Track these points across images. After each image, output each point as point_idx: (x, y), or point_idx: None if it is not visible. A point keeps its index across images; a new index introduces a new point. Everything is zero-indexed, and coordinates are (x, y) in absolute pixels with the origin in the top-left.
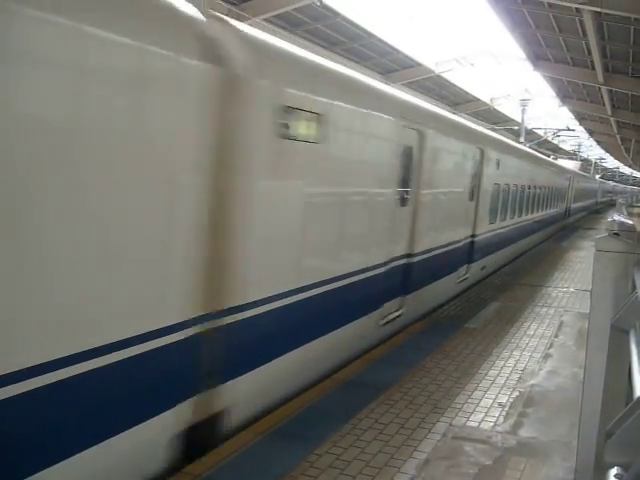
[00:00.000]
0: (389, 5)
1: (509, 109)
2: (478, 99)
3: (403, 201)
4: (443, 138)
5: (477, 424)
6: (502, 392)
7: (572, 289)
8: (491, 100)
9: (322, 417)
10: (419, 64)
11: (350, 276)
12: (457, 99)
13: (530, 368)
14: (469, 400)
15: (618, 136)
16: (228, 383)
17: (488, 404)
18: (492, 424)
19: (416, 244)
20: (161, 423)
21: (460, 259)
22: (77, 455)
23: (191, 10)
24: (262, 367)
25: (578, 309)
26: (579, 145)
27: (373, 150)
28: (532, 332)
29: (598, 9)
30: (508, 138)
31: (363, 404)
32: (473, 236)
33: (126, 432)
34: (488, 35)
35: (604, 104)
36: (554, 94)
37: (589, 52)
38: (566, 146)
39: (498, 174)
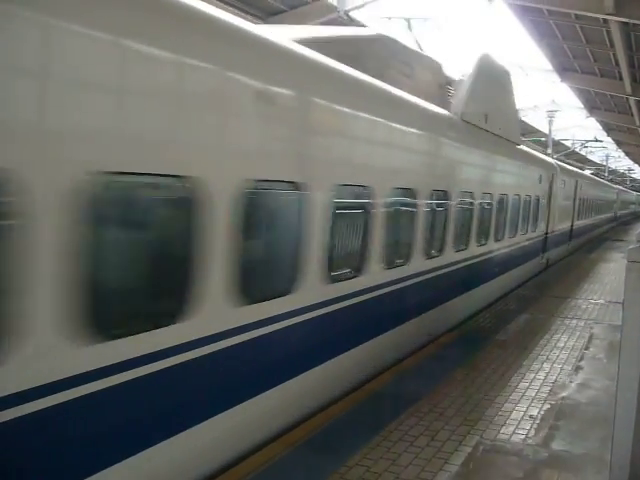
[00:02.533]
0: (415, 17)
1: (536, 120)
2: None
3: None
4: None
5: (508, 437)
6: (533, 405)
7: (602, 301)
8: (518, 111)
9: (352, 429)
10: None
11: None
12: None
13: (561, 381)
14: (499, 413)
15: None
16: None
17: (519, 417)
18: (523, 437)
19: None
20: None
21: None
22: None
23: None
24: None
25: (609, 321)
26: (607, 156)
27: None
28: (562, 344)
29: (625, 20)
30: (535, 150)
31: (393, 416)
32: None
33: None
34: (515, 47)
35: (632, 115)
36: (581, 105)
37: (616, 63)
38: (594, 157)
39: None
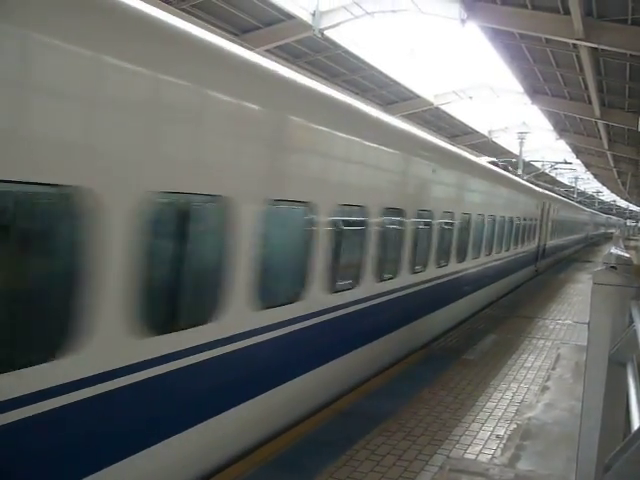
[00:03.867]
0: (389, 38)
1: (507, 142)
2: (476, 131)
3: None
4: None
5: (475, 456)
6: (500, 424)
7: (569, 321)
8: (489, 133)
9: (319, 447)
10: (418, 96)
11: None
12: (455, 131)
13: (527, 400)
14: (466, 432)
15: (615, 170)
16: None
17: (486, 436)
18: (490, 457)
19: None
20: None
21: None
22: None
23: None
24: None
25: (575, 342)
26: (576, 178)
27: None
28: (529, 364)
29: (595, 45)
30: (506, 171)
31: (360, 435)
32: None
33: None
34: (486, 69)
35: (601, 138)
36: (551, 127)
37: (586, 87)
38: (564, 179)
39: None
